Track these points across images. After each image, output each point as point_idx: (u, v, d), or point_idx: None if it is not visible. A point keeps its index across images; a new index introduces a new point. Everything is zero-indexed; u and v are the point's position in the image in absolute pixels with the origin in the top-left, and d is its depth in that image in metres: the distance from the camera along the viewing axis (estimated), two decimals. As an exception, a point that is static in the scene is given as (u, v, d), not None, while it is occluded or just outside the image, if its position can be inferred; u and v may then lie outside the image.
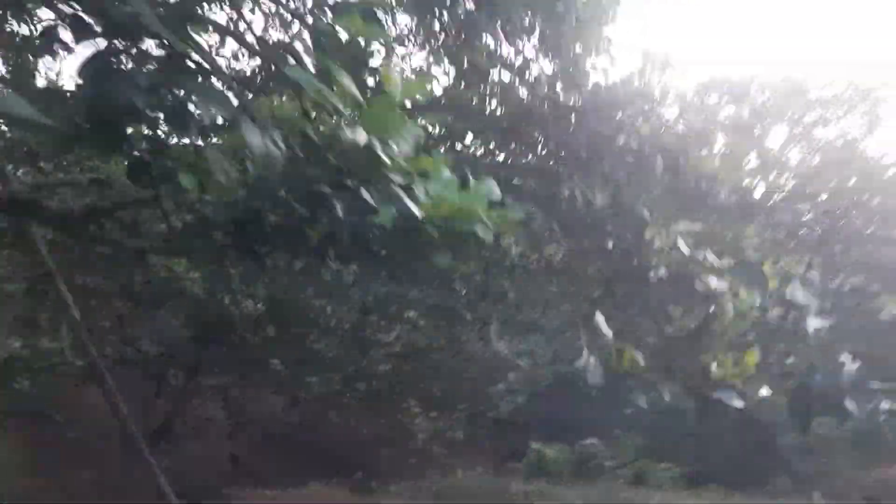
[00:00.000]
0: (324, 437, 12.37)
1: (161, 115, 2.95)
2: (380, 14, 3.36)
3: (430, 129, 5.93)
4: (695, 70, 14.42)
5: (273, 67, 4.90)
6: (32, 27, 6.18)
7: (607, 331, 4.34)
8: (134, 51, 3.00)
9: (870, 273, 9.22)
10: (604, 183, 5.13)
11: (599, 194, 4.98)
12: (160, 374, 11.51)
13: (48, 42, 3.52)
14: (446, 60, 5.84)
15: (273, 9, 7.01)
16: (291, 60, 3.37)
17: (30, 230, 7.57)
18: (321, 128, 2.98)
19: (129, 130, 3.13)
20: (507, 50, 5.59)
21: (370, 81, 3.29)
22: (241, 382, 11.61)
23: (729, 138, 8.28)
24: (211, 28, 4.36)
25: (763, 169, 10.12)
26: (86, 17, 2.92)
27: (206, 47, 5.02)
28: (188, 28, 2.89)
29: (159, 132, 3.15)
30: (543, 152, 5.95)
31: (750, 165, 9.62)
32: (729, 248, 5.48)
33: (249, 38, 5.25)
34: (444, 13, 5.55)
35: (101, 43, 2.90)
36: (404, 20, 6.32)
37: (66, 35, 3.48)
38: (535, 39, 5.49)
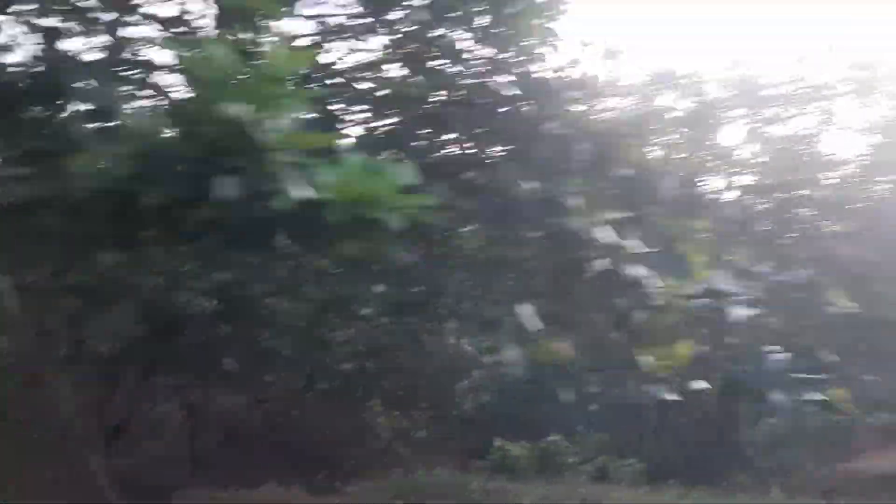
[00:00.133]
0: (285, 437, 12.25)
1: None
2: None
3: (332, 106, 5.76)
4: (649, 62, 14.31)
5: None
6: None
7: (534, 323, 4.29)
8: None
9: (820, 267, 9.30)
10: (531, 170, 5.07)
11: (526, 182, 4.93)
12: (115, 374, 11.33)
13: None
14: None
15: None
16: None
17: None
18: (197, 101, 2.81)
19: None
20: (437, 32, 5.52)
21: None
22: (197, 382, 11.46)
23: (676, 131, 8.30)
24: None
25: (713, 162, 10.18)
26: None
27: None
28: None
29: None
30: (474, 139, 5.89)
31: (698, 159, 9.66)
32: (663, 238, 5.46)
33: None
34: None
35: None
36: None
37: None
38: (472, 25, 5.43)
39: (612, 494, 11.12)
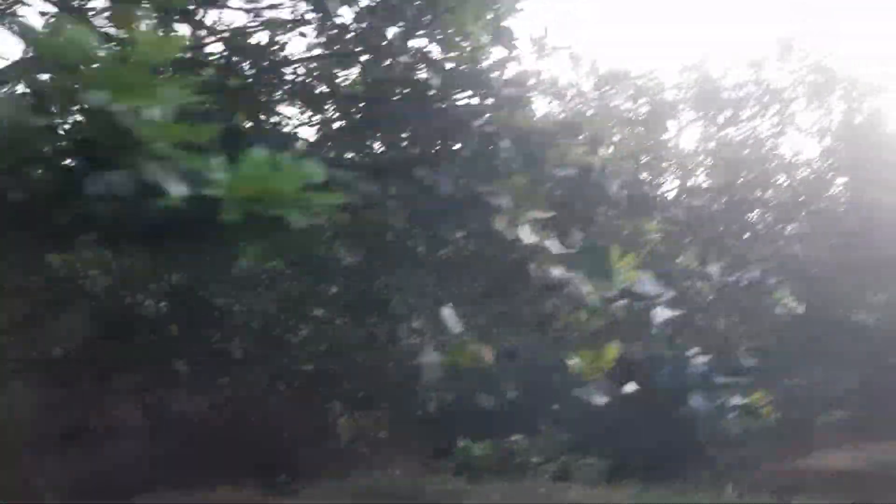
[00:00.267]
0: (244, 438, 12.16)
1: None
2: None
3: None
4: (602, 62, 14.26)
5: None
6: None
7: (454, 324, 4.28)
8: None
9: (772, 268, 9.40)
10: (456, 169, 5.03)
11: (447, 180, 4.89)
12: (70, 377, 11.19)
13: None
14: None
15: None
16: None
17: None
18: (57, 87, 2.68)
19: None
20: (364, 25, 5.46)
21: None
22: (155, 384, 11.36)
23: (627, 131, 8.33)
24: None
25: (665, 163, 10.25)
26: None
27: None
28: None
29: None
30: (398, 135, 5.85)
31: (649, 159, 9.73)
32: (602, 239, 5.48)
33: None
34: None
35: None
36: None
37: None
38: (402, 19, 5.37)
39: (568, 493, 11.18)
